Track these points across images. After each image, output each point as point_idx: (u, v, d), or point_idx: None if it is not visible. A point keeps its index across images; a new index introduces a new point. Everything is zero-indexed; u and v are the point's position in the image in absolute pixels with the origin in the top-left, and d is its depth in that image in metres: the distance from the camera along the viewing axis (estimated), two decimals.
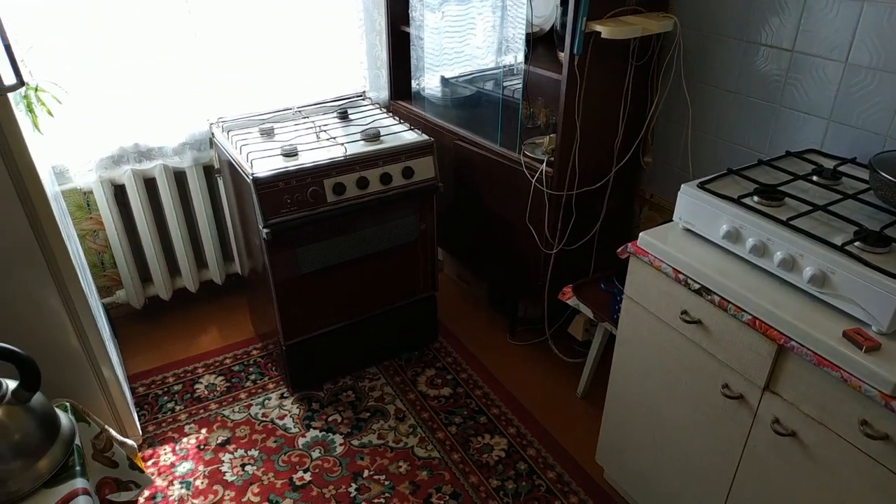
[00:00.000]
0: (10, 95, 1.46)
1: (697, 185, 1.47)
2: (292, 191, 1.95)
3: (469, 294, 2.92)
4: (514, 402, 2.30)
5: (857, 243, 1.24)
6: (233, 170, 2.09)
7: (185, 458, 2.07)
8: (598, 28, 1.81)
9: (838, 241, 1.24)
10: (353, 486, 1.97)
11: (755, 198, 1.41)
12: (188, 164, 2.45)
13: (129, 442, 1.74)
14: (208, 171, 2.53)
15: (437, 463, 2.05)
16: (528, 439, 2.14)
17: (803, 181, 1.51)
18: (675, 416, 1.58)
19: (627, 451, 1.79)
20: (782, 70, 1.76)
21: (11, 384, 1.28)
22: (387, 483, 1.98)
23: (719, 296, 1.35)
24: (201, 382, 2.39)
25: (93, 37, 2.13)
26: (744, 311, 1.30)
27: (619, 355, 1.72)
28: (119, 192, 2.40)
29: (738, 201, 1.39)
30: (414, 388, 2.35)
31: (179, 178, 2.49)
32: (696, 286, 1.39)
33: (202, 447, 2.11)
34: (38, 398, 1.30)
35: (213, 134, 2.25)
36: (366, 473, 2.02)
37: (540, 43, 2.26)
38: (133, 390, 2.33)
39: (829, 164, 1.59)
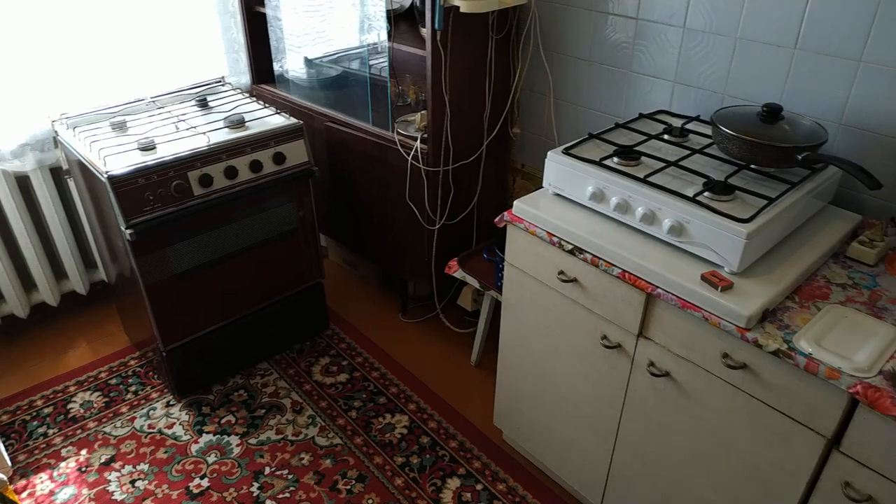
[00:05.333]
0: None
1: (562, 151, 1.54)
2: (154, 186, 1.83)
3: (357, 278, 2.89)
4: (411, 378, 2.32)
5: (706, 193, 1.35)
6: (84, 169, 1.93)
7: (65, 484, 1.91)
8: (457, 3, 1.83)
9: (690, 192, 1.35)
10: (256, 484, 1.92)
11: (615, 159, 1.50)
12: (31, 168, 2.22)
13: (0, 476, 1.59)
14: (56, 174, 2.32)
15: (341, 449, 2.04)
16: (428, 413, 2.17)
17: (656, 140, 1.62)
18: (561, 371, 1.67)
19: (522, 411, 1.87)
20: (630, 37, 1.87)
21: None
22: (290, 477, 1.95)
23: (591, 254, 1.43)
24: (75, 401, 2.21)
25: None
26: (614, 265, 1.39)
27: (506, 320, 1.78)
28: None
29: (600, 163, 1.47)
30: (309, 379, 2.31)
31: (23, 183, 2.26)
32: (570, 247, 1.47)
33: (84, 469, 1.96)
34: None
35: (56, 132, 2.05)
36: (267, 471, 1.97)
37: (402, 19, 2.25)
38: None
39: (677, 122, 1.72)
